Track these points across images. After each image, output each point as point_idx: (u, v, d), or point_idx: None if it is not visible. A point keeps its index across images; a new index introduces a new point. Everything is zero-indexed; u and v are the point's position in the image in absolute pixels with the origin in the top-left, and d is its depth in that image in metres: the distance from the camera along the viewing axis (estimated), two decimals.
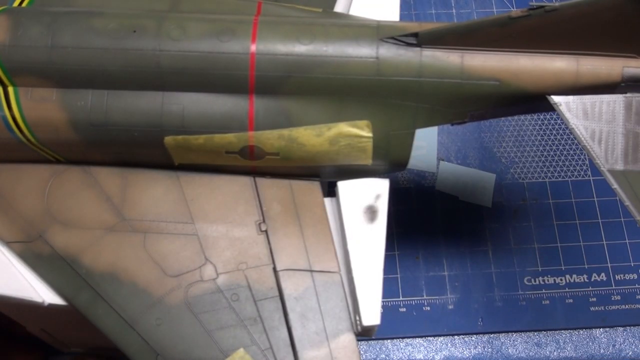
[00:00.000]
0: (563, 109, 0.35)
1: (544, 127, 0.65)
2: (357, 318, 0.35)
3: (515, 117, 0.65)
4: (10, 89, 0.35)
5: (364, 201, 0.37)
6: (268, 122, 0.35)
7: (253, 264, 0.36)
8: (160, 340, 0.35)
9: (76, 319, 0.41)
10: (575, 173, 0.64)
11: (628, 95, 0.35)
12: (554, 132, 0.65)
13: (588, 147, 0.35)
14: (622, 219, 0.62)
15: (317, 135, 0.35)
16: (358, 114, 0.35)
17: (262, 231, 0.37)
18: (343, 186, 0.38)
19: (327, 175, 0.38)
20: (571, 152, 0.64)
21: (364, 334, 0.36)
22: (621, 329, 0.58)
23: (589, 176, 0.64)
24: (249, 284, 0.36)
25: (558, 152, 0.64)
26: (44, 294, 0.36)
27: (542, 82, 0.35)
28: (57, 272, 0.36)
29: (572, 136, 0.64)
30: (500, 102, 0.35)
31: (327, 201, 0.38)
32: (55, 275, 0.36)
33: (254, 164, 0.37)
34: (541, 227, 0.61)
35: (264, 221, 0.37)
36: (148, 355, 0.34)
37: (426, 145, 0.63)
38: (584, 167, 0.64)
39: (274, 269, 0.36)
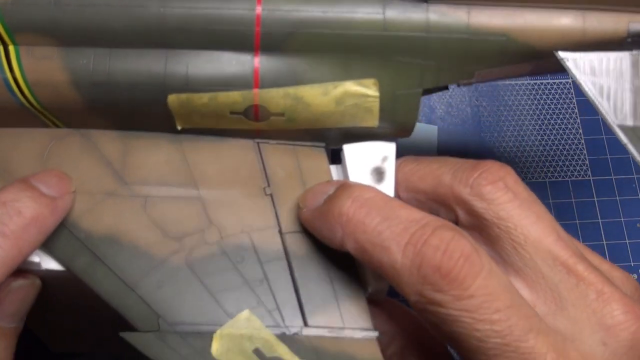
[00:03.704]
0: (570, 64, 0.35)
1: (544, 127, 0.65)
2: (366, 280, 0.34)
3: (515, 117, 0.65)
4: (11, 48, 0.34)
5: (371, 163, 0.37)
6: (274, 80, 0.35)
7: (258, 226, 0.35)
8: (161, 302, 0.33)
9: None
10: (575, 173, 0.63)
11: (634, 52, 0.35)
12: (554, 132, 0.65)
13: (596, 102, 0.35)
14: (622, 219, 0.62)
15: (323, 94, 0.35)
16: (364, 72, 0.35)
17: (267, 195, 0.36)
18: (349, 149, 0.37)
19: (333, 140, 0.37)
20: (571, 152, 0.64)
21: (373, 296, 0.35)
22: None
23: (589, 176, 0.63)
24: (255, 246, 0.35)
25: (558, 152, 0.64)
26: (41, 258, 0.35)
27: (549, 38, 0.34)
28: (54, 236, 0.34)
29: (572, 136, 0.64)
30: (507, 60, 0.35)
31: (333, 168, 0.38)
32: (53, 240, 0.35)
33: (258, 127, 0.36)
34: None
35: (268, 185, 0.36)
36: (149, 318, 0.33)
37: (426, 145, 0.63)
38: (584, 167, 0.64)
39: (280, 231, 0.35)
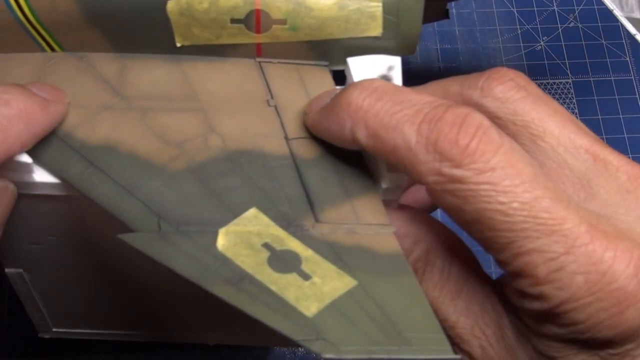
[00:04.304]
0: None
1: None
2: (379, 174, 0.32)
3: None
4: None
5: (377, 72, 0.36)
6: None
7: (263, 133, 0.34)
8: (162, 203, 0.31)
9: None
10: None
11: None
12: None
13: None
14: None
15: None
16: None
17: (270, 106, 0.35)
18: (353, 61, 0.36)
19: (336, 56, 0.36)
20: None
21: (387, 196, 0.33)
22: None
23: None
24: (260, 151, 0.33)
25: None
26: (34, 172, 0.33)
27: None
28: (47, 147, 0.33)
29: None
30: None
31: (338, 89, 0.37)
32: (46, 150, 0.33)
33: (259, 40, 0.35)
34: None
35: (272, 97, 0.35)
36: (148, 219, 0.31)
37: None
38: None
39: (286, 137, 0.34)
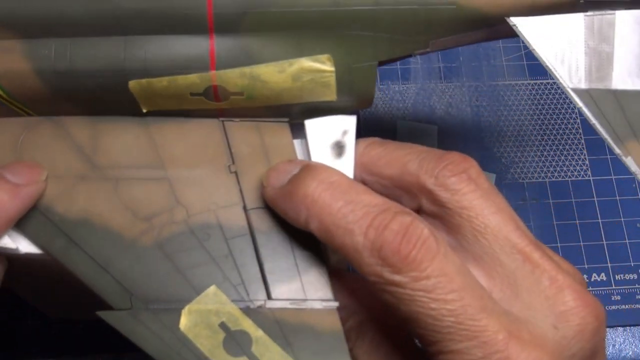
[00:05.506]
0: (523, 30, 0.35)
1: (544, 127, 0.65)
2: (328, 252, 0.35)
3: (515, 117, 0.65)
4: None
5: (331, 137, 0.37)
6: (230, 61, 0.36)
7: (223, 204, 0.36)
8: (133, 281, 0.34)
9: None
10: (575, 173, 0.63)
11: (589, 14, 0.35)
12: (554, 132, 0.65)
13: (551, 67, 0.35)
14: (622, 219, 0.62)
15: (279, 72, 0.36)
16: (318, 48, 0.36)
17: (231, 172, 0.37)
18: (310, 124, 0.38)
19: (295, 115, 0.38)
20: (571, 152, 0.64)
21: (336, 265, 0.35)
22: (621, 329, 0.57)
23: (589, 176, 0.63)
24: (220, 223, 0.36)
25: (558, 152, 0.64)
26: (19, 242, 0.36)
27: (499, 3, 0.35)
28: (30, 221, 0.36)
29: (572, 136, 0.64)
30: (459, 27, 0.35)
31: (297, 143, 0.38)
32: (29, 224, 0.36)
33: (220, 106, 0.37)
34: (541, 227, 0.60)
35: (233, 163, 0.37)
36: (122, 297, 0.34)
37: (426, 145, 0.63)
38: (584, 167, 0.63)
39: (244, 208, 0.36)
